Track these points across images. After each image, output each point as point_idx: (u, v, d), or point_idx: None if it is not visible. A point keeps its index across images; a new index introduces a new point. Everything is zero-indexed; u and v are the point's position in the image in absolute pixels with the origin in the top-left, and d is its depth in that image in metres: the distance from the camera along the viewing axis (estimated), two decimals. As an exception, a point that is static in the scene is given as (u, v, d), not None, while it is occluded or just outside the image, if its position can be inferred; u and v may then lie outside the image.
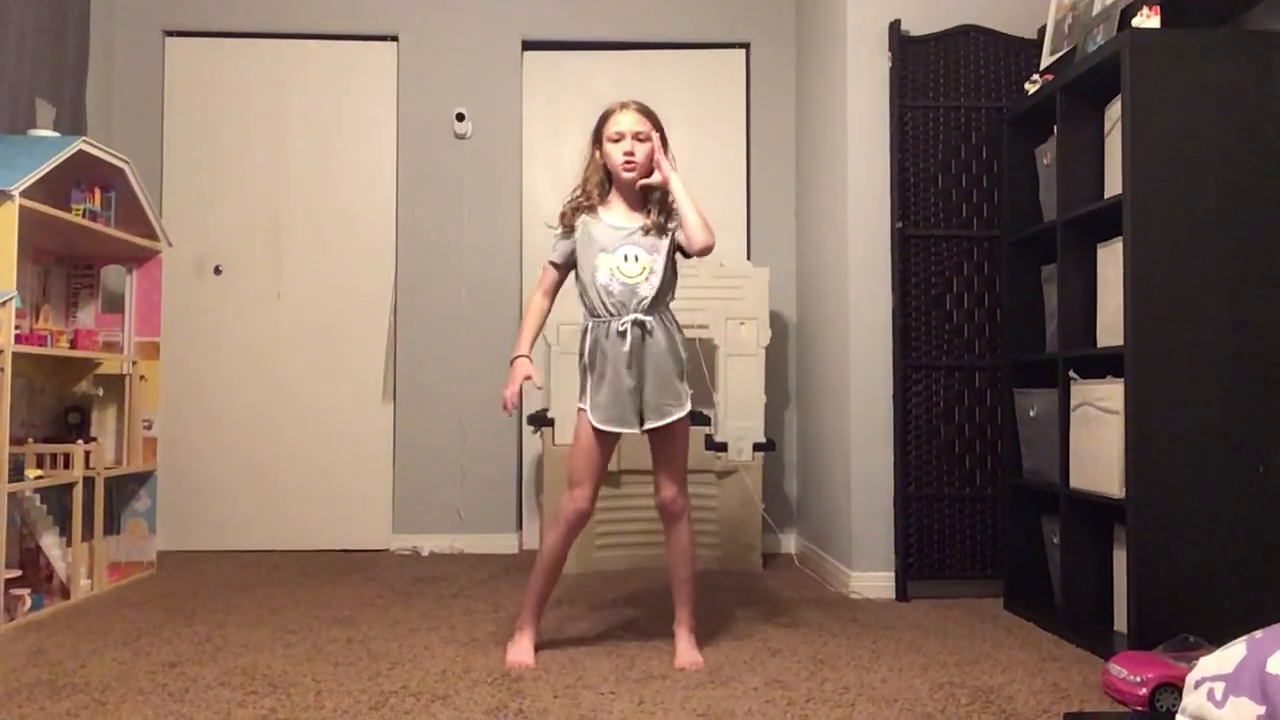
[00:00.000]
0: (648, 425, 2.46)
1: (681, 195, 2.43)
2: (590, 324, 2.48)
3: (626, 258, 2.45)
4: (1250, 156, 2.46)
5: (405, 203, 4.27)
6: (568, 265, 2.55)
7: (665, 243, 2.47)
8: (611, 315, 2.43)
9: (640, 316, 2.42)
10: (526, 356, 2.51)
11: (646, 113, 2.49)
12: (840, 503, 3.46)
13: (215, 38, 4.27)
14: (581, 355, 2.50)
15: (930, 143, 3.34)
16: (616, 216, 2.51)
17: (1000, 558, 3.24)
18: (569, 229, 2.52)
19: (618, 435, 2.48)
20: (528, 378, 2.48)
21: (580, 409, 2.48)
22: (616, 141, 2.46)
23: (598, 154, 2.52)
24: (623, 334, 2.41)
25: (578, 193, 2.55)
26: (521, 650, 2.44)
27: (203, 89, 4.26)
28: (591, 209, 2.52)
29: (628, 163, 2.45)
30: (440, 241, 4.25)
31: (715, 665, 2.41)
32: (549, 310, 2.60)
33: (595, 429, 2.44)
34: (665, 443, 2.49)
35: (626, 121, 2.46)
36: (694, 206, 2.43)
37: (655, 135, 2.48)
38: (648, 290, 2.44)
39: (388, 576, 3.59)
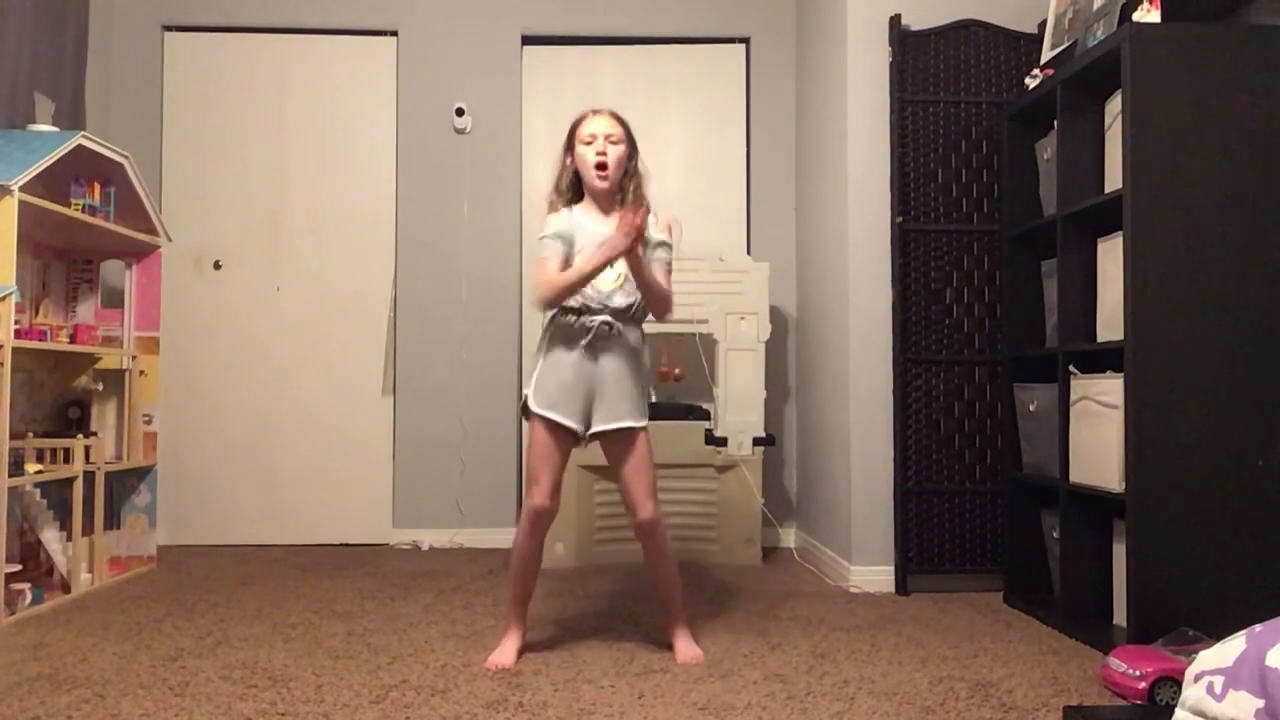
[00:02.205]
0: (595, 428, 2.41)
1: (639, 269, 2.34)
2: (557, 312, 2.43)
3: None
4: (1250, 151, 2.46)
5: (405, 197, 4.27)
6: (569, 243, 2.43)
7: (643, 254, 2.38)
8: (580, 312, 2.40)
9: (610, 318, 2.40)
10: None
11: (619, 119, 2.48)
12: (840, 497, 3.46)
13: (214, 32, 4.26)
14: (541, 341, 2.46)
15: (930, 137, 3.34)
16: (592, 221, 2.46)
17: (1000, 552, 3.25)
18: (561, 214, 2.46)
19: (573, 434, 2.42)
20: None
21: (526, 394, 2.45)
22: (589, 144, 2.44)
23: (569, 159, 2.49)
24: (590, 329, 2.38)
25: (552, 196, 2.52)
26: (502, 652, 2.40)
27: (202, 84, 4.26)
28: (569, 207, 2.48)
29: (600, 165, 2.42)
30: (440, 236, 4.25)
31: (715, 659, 2.42)
32: None
33: (546, 424, 2.39)
34: (625, 454, 2.43)
35: (599, 124, 2.44)
36: (650, 276, 2.36)
37: (626, 141, 2.45)
38: (622, 300, 2.41)
39: (388, 571, 3.59)
